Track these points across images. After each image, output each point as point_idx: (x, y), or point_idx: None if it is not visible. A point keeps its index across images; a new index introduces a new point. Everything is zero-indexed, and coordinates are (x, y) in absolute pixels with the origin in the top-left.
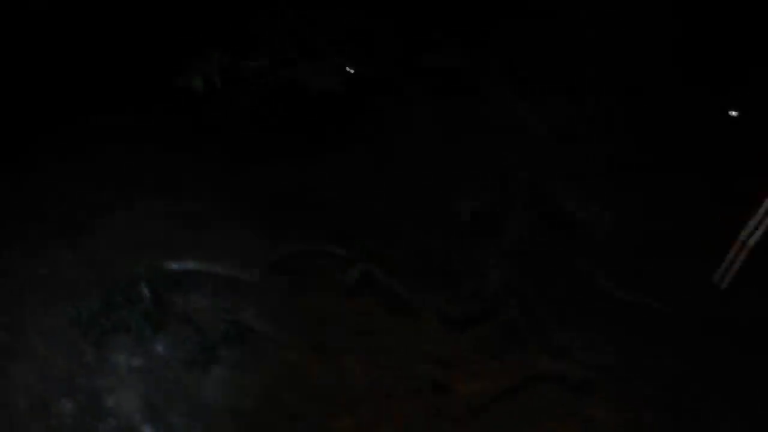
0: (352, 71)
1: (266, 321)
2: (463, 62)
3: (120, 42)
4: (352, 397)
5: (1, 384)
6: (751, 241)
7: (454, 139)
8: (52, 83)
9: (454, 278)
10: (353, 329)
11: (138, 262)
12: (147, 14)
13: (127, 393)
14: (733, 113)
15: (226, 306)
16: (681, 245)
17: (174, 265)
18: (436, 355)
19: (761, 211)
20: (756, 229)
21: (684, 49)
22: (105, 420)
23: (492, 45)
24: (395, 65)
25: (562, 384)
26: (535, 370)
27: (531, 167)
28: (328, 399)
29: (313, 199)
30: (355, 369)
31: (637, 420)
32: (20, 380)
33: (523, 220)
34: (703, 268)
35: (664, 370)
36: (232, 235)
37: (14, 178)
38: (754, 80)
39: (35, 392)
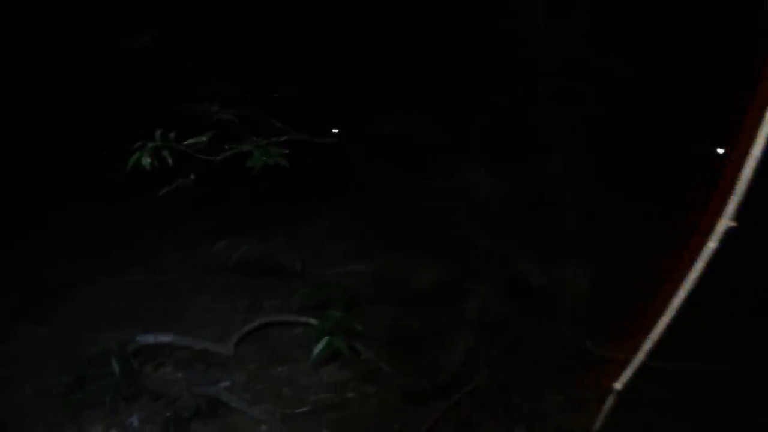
0: (298, 140)
1: (238, 394)
2: (415, 128)
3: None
4: None
5: None
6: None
7: (413, 206)
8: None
9: (421, 348)
10: (324, 401)
11: (113, 334)
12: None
13: None
14: (720, 151)
15: (198, 379)
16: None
17: (147, 338)
18: (406, 428)
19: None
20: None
21: (653, 89)
22: None
23: (446, 110)
24: (346, 134)
25: None
26: None
27: (492, 234)
28: None
29: (284, 270)
30: None
31: None
32: None
33: (486, 289)
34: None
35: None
36: (207, 306)
37: None
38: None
39: None
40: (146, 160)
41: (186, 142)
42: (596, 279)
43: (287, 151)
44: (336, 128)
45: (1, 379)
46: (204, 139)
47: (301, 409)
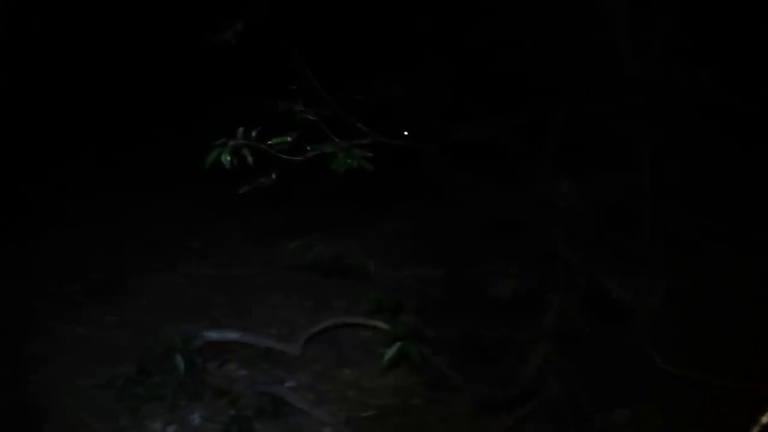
0: (383, 143)
1: (303, 395)
2: (497, 135)
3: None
4: None
5: None
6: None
7: (491, 213)
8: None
9: (493, 358)
10: (390, 406)
11: (177, 327)
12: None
13: None
14: None
15: (263, 378)
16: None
17: (212, 334)
18: None
19: None
20: None
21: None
22: None
23: (529, 119)
24: (429, 138)
25: None
26: None
27: (573, 245)
28: None
29: (354, 271)
30: None
31: None
32: None
33: (564, 300)
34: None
35: None
36: (275, 304)
37: (56, 234)
38: None
39: None
40: (227, 159)
41: (270, 142)
42: (676, 297)
43: (371, 154)
44: (414, 131)
45: (62, 367)
46: (289, 139)
47: (366, 413)
